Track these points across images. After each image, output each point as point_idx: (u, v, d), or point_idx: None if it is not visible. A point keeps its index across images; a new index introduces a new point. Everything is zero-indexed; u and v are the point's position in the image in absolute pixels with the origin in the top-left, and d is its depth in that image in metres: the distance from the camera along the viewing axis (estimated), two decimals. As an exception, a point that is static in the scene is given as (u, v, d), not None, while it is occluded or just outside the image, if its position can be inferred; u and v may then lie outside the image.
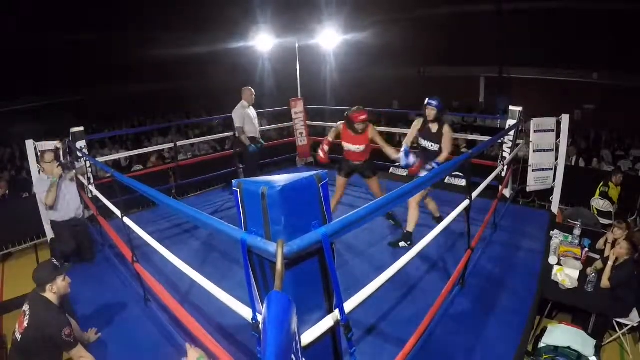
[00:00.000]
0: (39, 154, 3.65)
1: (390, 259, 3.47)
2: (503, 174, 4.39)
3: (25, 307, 2.21)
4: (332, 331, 1.43)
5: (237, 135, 5.12)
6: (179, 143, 5.91)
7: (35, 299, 2.22)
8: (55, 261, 2.35)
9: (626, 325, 3.07)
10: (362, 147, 3.80)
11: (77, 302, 3.01)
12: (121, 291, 3.23)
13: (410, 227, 3.72)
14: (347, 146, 3.84)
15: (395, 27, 12.60)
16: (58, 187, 3.49)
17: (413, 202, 3.69)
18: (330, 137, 3.88)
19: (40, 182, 3.54)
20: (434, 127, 3.60)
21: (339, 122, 3.94)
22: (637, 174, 6.88)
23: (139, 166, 7.44)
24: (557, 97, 10.58)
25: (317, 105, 7.81)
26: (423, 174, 3.50)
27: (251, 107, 5.15)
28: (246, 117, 5.02)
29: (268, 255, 1.19)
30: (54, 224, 3.68)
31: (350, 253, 3.67)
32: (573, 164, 6.91)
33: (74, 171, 3.76)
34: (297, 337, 0.89)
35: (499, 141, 4.86)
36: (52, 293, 2.23)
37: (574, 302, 3.15)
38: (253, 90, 5.13)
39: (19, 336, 2.15)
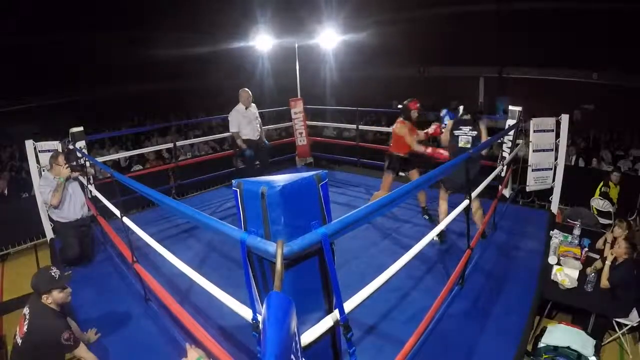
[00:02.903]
0: (51, 154, 3.63)
1: (390, 259, 3.46)
2: (503, 174, 4.39)
3: (26, 311, 2.21)
4: (332, 331, 1.43)
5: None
6: (178, 143, 5.91)
7: (34, 303, 2.22)
8: (53, 271, 2.25)
9: (626, 325, 3.07)
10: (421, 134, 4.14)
11: (77, 303, 3.00)
12: (121, 291, 3.23)
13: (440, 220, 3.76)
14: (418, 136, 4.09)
15: (395, 27, 12.61)
16: (64, 187, 3.49)
17: (440, 197, 3.85)
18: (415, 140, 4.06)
19: (46, 181, 3.51)
20: None
21: (400, 126, 4.08)
22: (637, 173, 6.88)
23: (139, 166, 7.44)
24: (557, 97, 10.58)
25: (316, 106, 7.81)
26: None
27: (250, 108, 5.01)
28: (242, 121, 4.91)
29: (268, 255, 1.19)
30: (58, 225, 3.65)
31: (350, 253, 3.67)
32: (572, 163, 6.91)
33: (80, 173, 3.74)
34: (297, 337, 0.89)
35: (499, 141, 4.86)
36: (47, 302, 2.21)
37: (573, 302, 3.15)
38: (249, 91, 4.99)
39: (19, 340, 2.15)
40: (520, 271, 3.35)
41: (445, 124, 3.95)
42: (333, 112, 10.93)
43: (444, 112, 4.08)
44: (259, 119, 5.19)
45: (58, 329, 2.15)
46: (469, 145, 3.63)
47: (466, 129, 3.71)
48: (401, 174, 4.31)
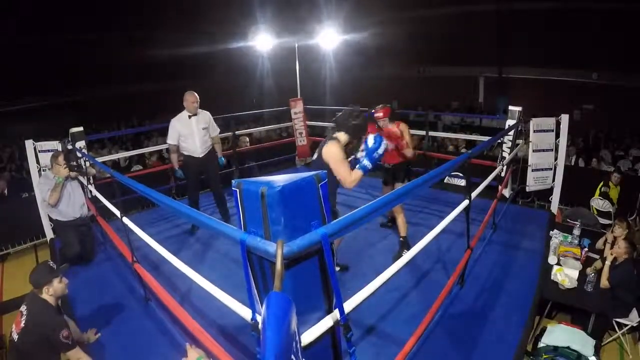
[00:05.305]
0: (52, 153, 3.64)
1: (390, 259, 3.47)
2: (502, 174, 4.39)
3: (23, 308, 2.21)
4: (332, 331, 1.43)
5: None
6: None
7: (32, 299, 2.22)
8: (51, 263, 2.35)
9: (626, 325, 3.08)
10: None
11: (77, 302, 3.01)
12: (121, 291, 3.23)
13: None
14: None
15: (394, 27, 12.61)
16: (63, 187, 3.50)
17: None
18: None
19: (46, 179, 3.52)
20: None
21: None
22: (637, 173, 6.88)
23: (139, 166, 7.44)
24: (557, 97, 10.59)
25: (316, 106, 7.81)
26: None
27: (196, 116, 3.98)
28: (182, 132, 3.92)
29: (267, 255, 1.19)
30: (57, 224, 3.66)
31: (350, 253, 3.67)
32: (572, 163, 6.92)
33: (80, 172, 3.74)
34: (297, 337, 0.89)
35: (499, 141, 4.86)
36: (48, 295, 2.23)
37: (573, 302, 3.16)
38: (196, 95, 3.91)
39: (15, 336, 2.15)
40: (520, 271, 3.34)
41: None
42: (333, 112, 10.93)
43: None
44: (213, 131, 4.20)
45: (56, 325, 2.15)
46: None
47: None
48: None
